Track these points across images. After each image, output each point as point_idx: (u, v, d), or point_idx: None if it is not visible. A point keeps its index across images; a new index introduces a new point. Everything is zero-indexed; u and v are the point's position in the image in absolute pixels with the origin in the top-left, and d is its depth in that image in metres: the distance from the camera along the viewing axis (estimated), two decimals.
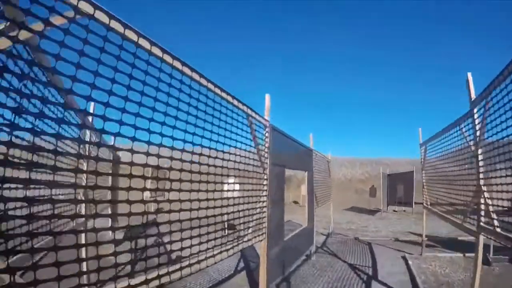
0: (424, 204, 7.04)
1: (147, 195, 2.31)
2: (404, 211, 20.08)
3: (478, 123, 3.77)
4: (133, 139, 1.82)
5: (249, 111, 3.38)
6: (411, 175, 19.99)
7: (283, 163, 4.69)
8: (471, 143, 4.04)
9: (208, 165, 2.68)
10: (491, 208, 3.45)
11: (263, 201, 3.79)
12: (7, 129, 1.27)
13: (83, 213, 3.93)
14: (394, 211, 20.70)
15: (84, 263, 1.69)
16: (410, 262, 6.50)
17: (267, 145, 3.96)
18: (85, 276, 1.65)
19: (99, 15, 1.61)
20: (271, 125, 4.12)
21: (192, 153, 2.45)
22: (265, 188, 3.84)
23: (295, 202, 25.99)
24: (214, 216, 2.70)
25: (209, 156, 2.67)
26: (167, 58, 2.09)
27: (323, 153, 9.81)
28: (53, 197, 1.71)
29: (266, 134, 4.00)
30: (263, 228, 3.75)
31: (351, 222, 15.00)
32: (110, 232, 1.84)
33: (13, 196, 1.39)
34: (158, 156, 2.07)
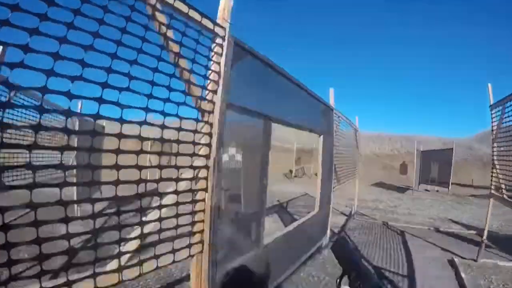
0: (493, 191, 4.68)
1: None
2: (437, 191, 17.30)
3: None
4: None
5: None
6: (449, 153, 17.26)
7: (264, 111, 2.58)
8: None
9: None
10: None
11: (201, 177, 1.77)
12: None
13: None
14: (426, 190, 17.79)
15: None
16: (463, 275, 4.31)
17: (217, 69, 1.87)
18: None
19: None
20: (232, 37, 2.00)
21: None
22: (206, 152, 1.79)
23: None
24: None
25: None
26: None
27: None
28: None
29: (216, 49, 1.89)
30: (198, 233, 1.74)
31: (379, 200, 12.70)
32: None
33: None
34: None
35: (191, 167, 1.66)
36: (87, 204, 1.22)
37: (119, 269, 1.35)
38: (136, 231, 1.39)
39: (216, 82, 1.84)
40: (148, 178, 1.38)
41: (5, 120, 1.00)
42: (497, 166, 4.57)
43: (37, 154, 4.65)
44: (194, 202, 1.71)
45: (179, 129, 1.55)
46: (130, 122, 1.32)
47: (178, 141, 1.54)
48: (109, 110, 1.23)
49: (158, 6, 1.47)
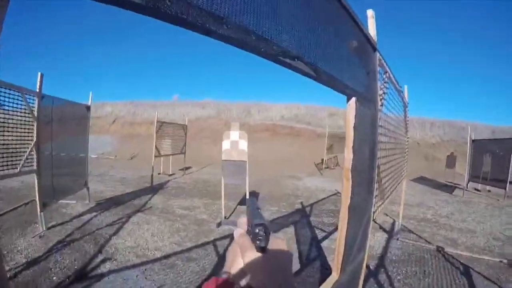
0: None
1: None
2: (489, 191, 13.91)
3: None
4: None
5: None
6: (509, 143, 13.09)
7: None
8: None
9: None
10: None
11: None
12: None
13: None
14: (477, 190, 14.41)
15: None
16: None
17: None
18: None
19: None
20: None
21: None
22: None
23: None
24: None
25: None
26: None
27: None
28: None
29: None
30: None
31: (425, 204, 10.20)
32: None
33: None
34: None
35: None
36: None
37: None
38: None
39: None
40: None
41: None
42: None
43: None
44: None
45: None
46: None
47: None
48: None
49: None
